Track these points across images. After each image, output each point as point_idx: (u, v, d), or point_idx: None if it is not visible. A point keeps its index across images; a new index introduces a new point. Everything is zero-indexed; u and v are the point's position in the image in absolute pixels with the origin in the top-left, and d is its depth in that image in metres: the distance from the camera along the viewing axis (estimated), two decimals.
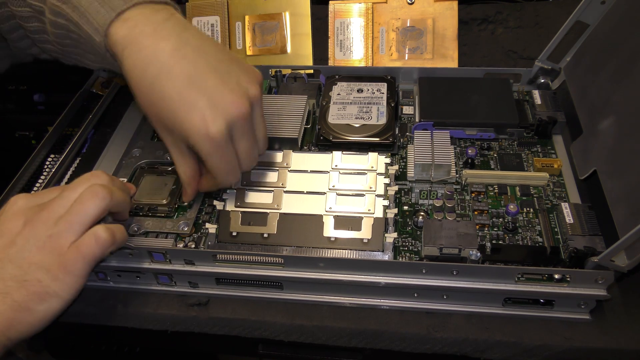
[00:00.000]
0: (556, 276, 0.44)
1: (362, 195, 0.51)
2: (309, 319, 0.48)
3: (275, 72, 0.66)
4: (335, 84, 0.63)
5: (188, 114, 0.43)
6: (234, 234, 0.50)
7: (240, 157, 0.47)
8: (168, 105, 0.43)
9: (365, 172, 0.52)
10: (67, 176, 0.60)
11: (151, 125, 0.48)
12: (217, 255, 0.47)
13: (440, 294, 0.47)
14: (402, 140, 0.59)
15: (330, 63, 0.70)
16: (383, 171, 0.52)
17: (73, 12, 0.45)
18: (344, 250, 0.48)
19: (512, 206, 0.50)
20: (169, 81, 0.43)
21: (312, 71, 0.68)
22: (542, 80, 0.63)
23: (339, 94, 0.62)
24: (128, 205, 0.49)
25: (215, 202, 0.52)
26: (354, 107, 0.60)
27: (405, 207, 0.53)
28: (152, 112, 0.45)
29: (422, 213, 0.51)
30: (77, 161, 0.62)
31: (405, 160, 0.57)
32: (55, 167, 0.60)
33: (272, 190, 0.52)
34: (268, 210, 0.51)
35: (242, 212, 0.51)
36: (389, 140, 0.56)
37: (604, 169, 0.48)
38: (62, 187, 0.46)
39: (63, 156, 0.61)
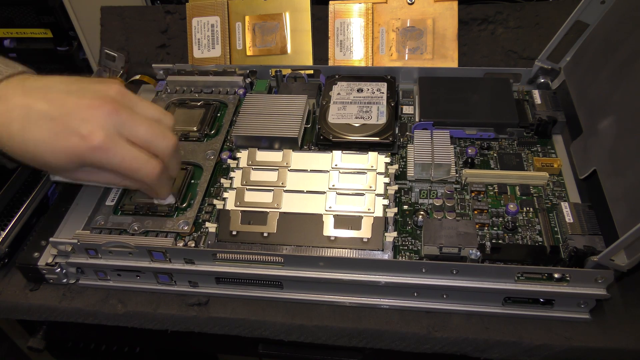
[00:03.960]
0: (556, 275, 0.44)
1: (362, 194, 0.51)
2: (309, 318, 0.48)
3: (275, 72, 0.66)
4: (335, 84, 0.63)
5: (67, 142, 0.42)
6: (234, 233, 0.50)
7: (146, 142, 0.45)
8: (45, 148, 0.42)
9: (365, 171, 0.52)
10: None
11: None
12: (217, 254, 0.47)
13: (440, 294, 0.47)
14: (402, 139, 0.59)
15: (331, 63, 0.70)
16: (383, 170, 0.52)
17: None
18: (343, 250, 0.48)
19: (512, 205, 0.50)
20: (34, 127, 0.42)
21: (312, 71, 0.68)
22: (542, 80, 0.63)
23: (339, 94, 0.62)
24: None
25: (215, 201, 0.52)
26: (354, 107, 0.60)
27: (405, 207, 0.53)
28: (41, 160, 0.44)
29: (422, 212, 0.51)
30: None
31: (405, 159, 0.57)
32: None
33: (272, 190, 0.52)
34: (268, 210, 0.51)
35: (242, 211, 0.51)
36: (388, 139, 0.56)
37: (604, 168, 0.48)
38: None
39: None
